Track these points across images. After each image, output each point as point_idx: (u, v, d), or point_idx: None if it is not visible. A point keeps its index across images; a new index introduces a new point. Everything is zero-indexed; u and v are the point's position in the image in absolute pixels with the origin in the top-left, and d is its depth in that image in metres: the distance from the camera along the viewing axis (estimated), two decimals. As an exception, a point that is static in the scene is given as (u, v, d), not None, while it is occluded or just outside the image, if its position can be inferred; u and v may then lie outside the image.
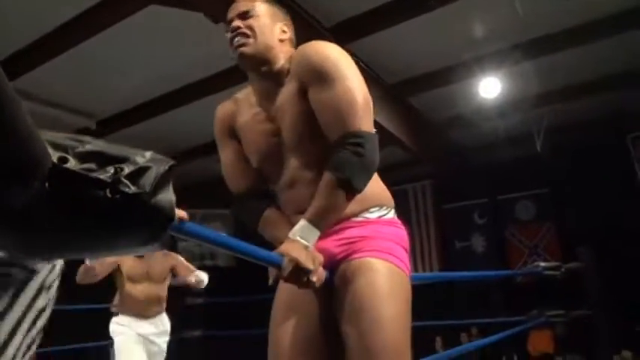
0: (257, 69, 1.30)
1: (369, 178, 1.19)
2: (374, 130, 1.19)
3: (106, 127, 5.60)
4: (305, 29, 3.72)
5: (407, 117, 5.53)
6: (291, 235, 1.13)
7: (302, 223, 1.14)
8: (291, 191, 1.29)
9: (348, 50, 4.03)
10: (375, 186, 1.29)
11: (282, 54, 1.30)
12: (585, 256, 3.35)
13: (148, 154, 0.56)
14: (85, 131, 5.61)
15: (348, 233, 1.23)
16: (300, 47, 1.29)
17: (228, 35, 1.29)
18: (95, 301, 4.17)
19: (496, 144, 6.51)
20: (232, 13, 1.31)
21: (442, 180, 7.42)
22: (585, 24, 4.31)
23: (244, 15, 1.29)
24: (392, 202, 1.34)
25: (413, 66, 4.95)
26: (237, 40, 1.26)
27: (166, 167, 0.55)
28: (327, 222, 1.16)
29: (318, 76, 1.20)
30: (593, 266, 3.31)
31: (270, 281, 1.20)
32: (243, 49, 1.26)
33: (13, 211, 0.50)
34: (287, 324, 1.25)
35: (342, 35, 4.09)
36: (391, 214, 1.31)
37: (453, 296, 6.09)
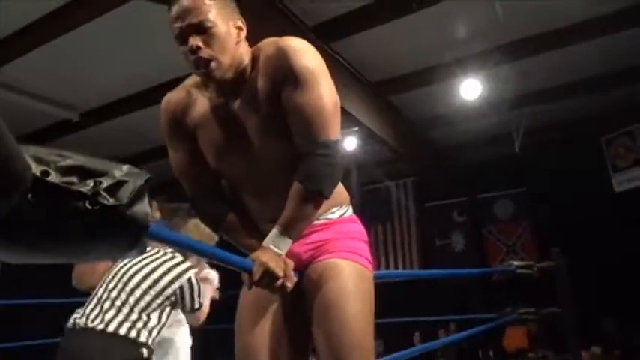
0: (223, 79, 1.21)
1: (337, 185, 1.23)
2: (340, 137, 1.21)
3: (89, 119, 5.57)
4: (288, 28, 3.75)
5: (389, 116, 5.60)
6: (264, 243, 1.16)
7: (274, 232, 1.17)
8: (258, 198, 1.28)
9: (331, 49, 4.05)
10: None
11: (243, 54, 1.23)
12: (557, 256, 3.46)
13: (125, 167, 0.60)
14: (67, 123, 5.57)
15: (313, 237, 1.28)
16: (274, 43, 1.21)
17: (186, 51, 1.18)
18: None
19: (476, 144, 6.64)
20: (181, 21, 1.16)
21: (423, 178, 7.52)
22: (563, 28, 4.42)
23: (199, 28, 1.16)
24: (348, 199, 1.39)
25: (395, 66, 5.02)
26: (200, 65, 1.17)
27: (142, 181, 0.60)
28: (298, 231, 1.20)
29: (294, 78, 1.16)
30: (565, 266, 3.42)
31: (246, 287, 1.23)
32: (212, 75, 1.18)
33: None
34: (254, 324, 1.28)
35: (325, 34, 4.15)
36: (350, 212, 1.36)
37: (432, 293, 6.20)
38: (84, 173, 0.59)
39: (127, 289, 1.84)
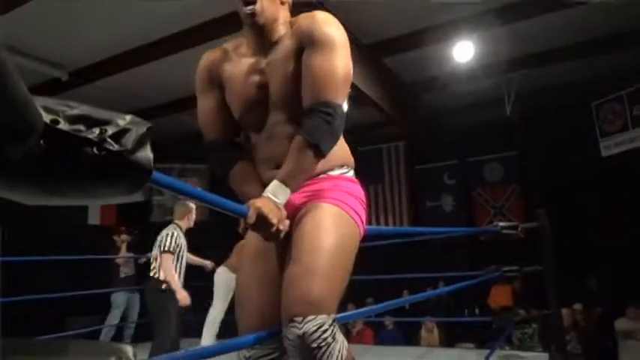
0: (261, 30, 1.37)
1: (335, 144, 1.31)
2: (345, 105, 1.31)
3: (79, 78, 5.51)
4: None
5: (381, 78, 5.60)
6: (264, 193, 1.24)
7: (275, 183, 1.25)
8: (268, 144, 1.38)
9: (324, 9, 4.05)
10: (339, 148, 1.40)
11: (282, 19, 1.39)
12: (541, 217, 3.57)
13: (128, 117, 0.65)
14: (56, 82, 5.52)
15: (310, 188, 1.37)
16: (308, 14, 1.37)
17: None
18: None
19: (468, 107, 6.67)
20: None
21: (415, 141, 7.59)
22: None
23: None
24: (352, 163, 1.48)
25: (388, 27, 4.98)
26: (250, 9, 1.32)
27: (144, 129, 0.65)
28: (297, 182, 1.28)
29: (316, 42, 1.30)
30: (548, 226, 3.54)
31: (240, 230, 1.32)
32: (255, 18, 1.32)
33: (11, 162, 0.59)
34: (253, 268, 1.38)
35: (320, -5, 4.11)
36: (351, 173, 1.46)
37: (421, 253, 6.36)
38: (90, 122, 0.63)
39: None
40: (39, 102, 0.63)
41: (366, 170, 7.71)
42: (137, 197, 0.68)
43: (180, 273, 3.95)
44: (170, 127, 6.60)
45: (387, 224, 7.77)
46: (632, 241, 5.58)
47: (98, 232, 6.96)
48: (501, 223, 3.47)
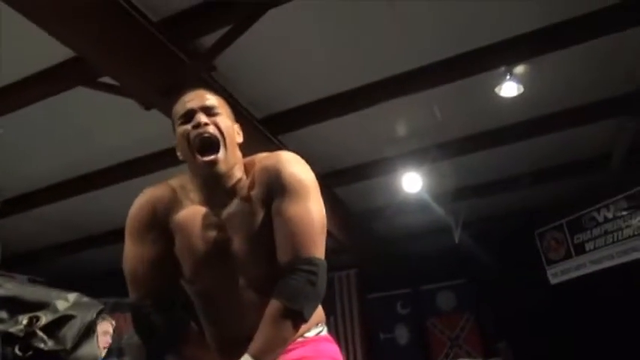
0: (218, 179, 1.17)
1: (316, 307, 1.15)
2: (323, 258, 1.17)
3: (14, 207, 5.18)
4: (239, 120, 3.76)
5: (333, 207, 5.61)
6: None
7: (246, 357, 1.03)
8: (235, 316, 1.15)
9: (278, 141, 4.09)
10: None
11: (239, 158, 1.22)
12: (504, 351, 3.43)
13: (72, 297, 0.49)
14: (-14, 211, 5.15)
15: (290, 355, 1.16)
16: (268, 155, 1.22)
17: (186, 129, 1.14)
18: None
19: (419, 235, 6.74)
20: (193, 103, 1.16)
21: (366, 269, 7.47)
22: (495, 129, 4.73)
23: (209, 110, 1.17)
24: (324, 318, 1.32)
25: (340, 159, 5.12)
26: (211, 158, 1.12)
27: (94, 315, 0.48)
28: (272, 356, 1.06)
29: (287, 189, 1.16)
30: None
31: None
32: (216, 168, 1.13)
33: None
34: None
35: (273, 127, 4.20)
36: (325, 331, 1.29)
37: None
38: (17, 306, 0.46)
39: None
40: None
41: (318, 301, 7.42)
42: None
43: None
44: (104, 259, 6.21)
45: (340, 359, 7.29)
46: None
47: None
48: (465, 361, 3.29)
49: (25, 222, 5.24)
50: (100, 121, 4.07)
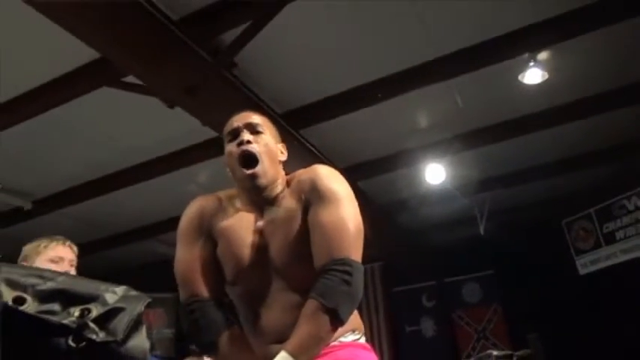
0: (260, 191, 1.27)
1: (354, 309, 1.16)
2: (360, 261, 1.18)
3: (44, 207, 5.31)
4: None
5: (357, 201, 5.61)
6: None
7: (282, 355, 1.04)
8: (267, 313, 1.20)
9: (300, 136, 4.09)
10: None
11: (281, 174, 1.32)
12: (534, 343, 3.39)
13: (120, 290, 0.49)
14: (19, 211, 5.29)
15: (327, 358, 1.17)
16: (307, 170, 1.31)
17: (232, 147, 1.27)
18: None
19: (443, 227, 6.68)
20: (239, 121, 1.30)
21: (391, 263, 7.44)
22: (519, 118, 4.65)
23: (253, 127, 1.29)
24: (362, 327, 1.32)
25: (361, 152, 5.10)
26: (252, 172, 1.24)
27: (142, 308, 0.49)
28: (309, 355, 1.07)
29: (321, 196, 1.22)
30: (543, 352, 3.35)
31: None
32: (257, 181, 1.24)
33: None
34: None
35: (294, 122, 4.21)
36: (363, 339, 1.30)
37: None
38: (68, 299, 0.47)
39: None
40: (1, 273, 0.47)
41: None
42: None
43: None
44: (134, 256, 6.34)
45: (366, 352, 7.30)
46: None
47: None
48: (495, 352, 3.28)
49: (54, 221, 5.35)
50: (124, 121, 4.15)
